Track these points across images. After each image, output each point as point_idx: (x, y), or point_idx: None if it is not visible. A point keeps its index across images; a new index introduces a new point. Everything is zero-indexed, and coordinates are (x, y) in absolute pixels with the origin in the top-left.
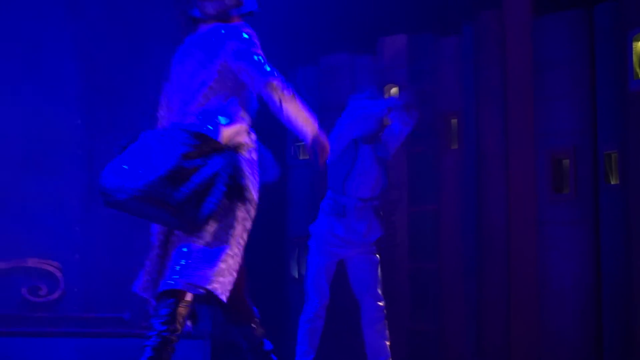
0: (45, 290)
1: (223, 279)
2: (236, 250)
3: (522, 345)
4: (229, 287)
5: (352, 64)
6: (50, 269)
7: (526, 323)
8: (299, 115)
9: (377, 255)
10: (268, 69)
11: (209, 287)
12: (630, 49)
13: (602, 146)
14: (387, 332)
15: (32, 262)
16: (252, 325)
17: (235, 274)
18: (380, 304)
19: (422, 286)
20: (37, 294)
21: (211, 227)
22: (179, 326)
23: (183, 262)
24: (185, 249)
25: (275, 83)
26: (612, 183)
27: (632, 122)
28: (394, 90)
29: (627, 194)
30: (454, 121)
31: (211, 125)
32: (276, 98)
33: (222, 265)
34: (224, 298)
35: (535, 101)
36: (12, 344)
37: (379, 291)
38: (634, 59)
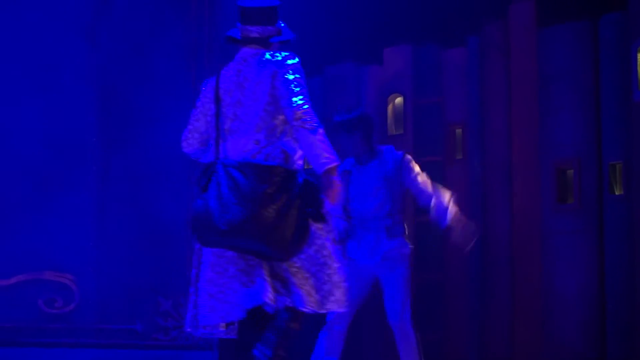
0: (60, 302)
1: (334, 297)
2: (334, 265)
3: (525, 355)
4: (344, 297)
5: (357, 74)
6: (66, 281)
7: (530, 333)
8: (316, 147)
9: (404, 269)
10: (300, 100)
11: (323, 310)
12: (634, 59)
13: (607, 157)
14: (418, 346)
15: (48, 275)
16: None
17: (345, 281)
18: (405, 318)
19: (427, 296)
20: (53, 306)
21: (305, 253)
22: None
23: (294, 288)
24: (286, 277)
25: (299, 113)
26: (616, 193)
27: (637, 132)
28: (398, 100)
29: (631, 205)
30: (459, 131)
31: (277, 154)
32: (297, 125)
33: (327, 287)
34: (341, 310)
35: (540, 112)
36: (29, 354)
37: (404, 306)
38: (639, 69)
